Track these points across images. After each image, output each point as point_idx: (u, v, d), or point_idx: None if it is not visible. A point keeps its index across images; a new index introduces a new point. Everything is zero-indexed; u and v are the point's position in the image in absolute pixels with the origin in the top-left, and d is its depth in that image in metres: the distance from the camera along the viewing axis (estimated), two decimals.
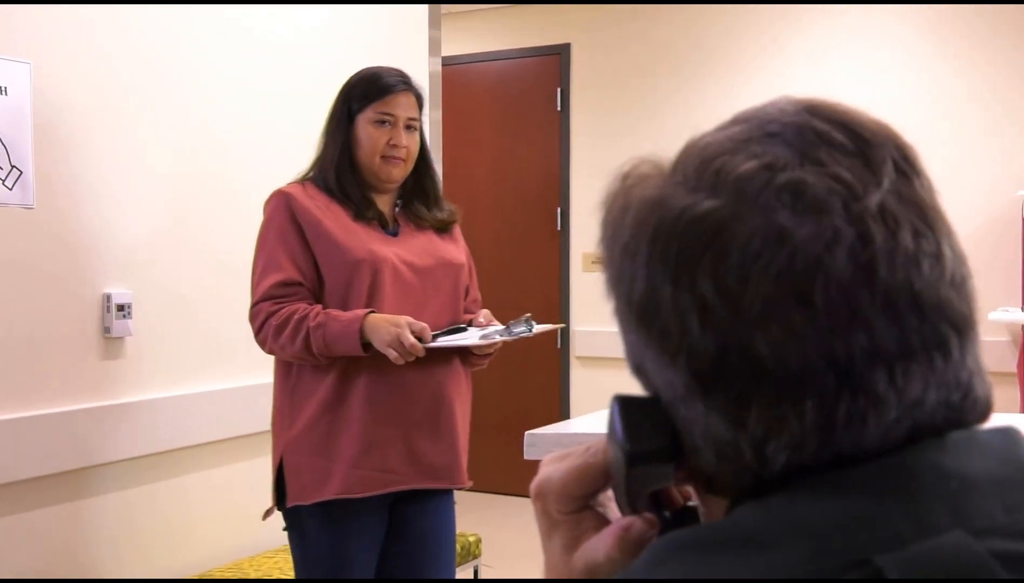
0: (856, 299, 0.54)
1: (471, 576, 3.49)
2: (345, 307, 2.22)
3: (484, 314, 2.38)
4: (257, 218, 3.03)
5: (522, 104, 5.73)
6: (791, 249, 0.54)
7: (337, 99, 2.36)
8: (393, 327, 2.14)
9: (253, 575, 2.84)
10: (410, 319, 2.17)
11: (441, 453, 2.29)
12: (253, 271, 2.29)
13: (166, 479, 2.82)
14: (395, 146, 2.29)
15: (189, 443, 2.86)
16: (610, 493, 0.69)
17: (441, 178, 2.78)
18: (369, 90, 2.31)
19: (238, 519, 3.01)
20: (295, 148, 3.18)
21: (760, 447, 0.56)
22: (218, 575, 2.84)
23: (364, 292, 2.23)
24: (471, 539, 3.44)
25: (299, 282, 2.23)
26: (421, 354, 2.16)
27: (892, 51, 4.81)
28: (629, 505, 0.66)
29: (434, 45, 3.85)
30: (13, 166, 2.42)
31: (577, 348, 5.55)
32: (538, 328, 2.31)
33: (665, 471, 0.62)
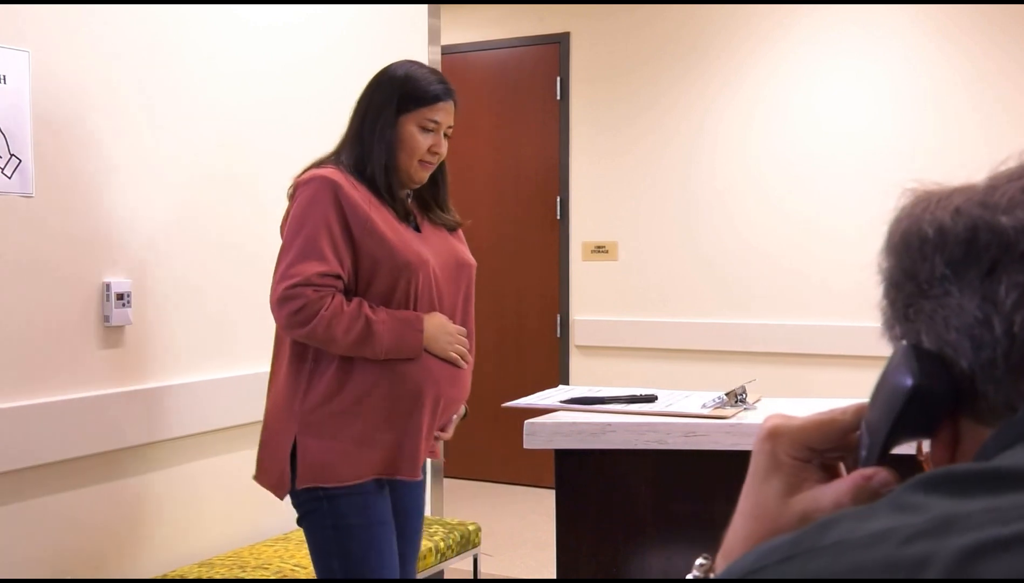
0: None
1: (471, 565, 3.50)
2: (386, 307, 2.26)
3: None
4: (255, 205, 3.04)
5: (521, 93, 5.73)
6: None
7: (379, 93, 2.33)
8: (444, 328, 2.29)
9: (253, 563, 2.84)
10: (445, 319, 2.31)
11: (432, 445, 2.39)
12: (284, 250, 2.22)
13: (165, 468, 2.83)
14: (435, 154, 2.34)
15: (187, 432, 2.86)
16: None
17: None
18: (420, 95, 2.31)
19: (237, 507, 3.02)
20: (293, 135, 3.18)
21: (1010, 318, 0.63)
22: (218, 563, 2.84)
23: (405, 295, 2.26)
24: (471, 528, 3.45)
25: (339, 276, 2.21)
26: (465, 363, 2.34)
27: (890, 40, 4.80)
28: (880, 455, 0.69)
29: (433, 34, 3.85)
30: (12, 155, 2.41)
31: (576, 337, 5.55)
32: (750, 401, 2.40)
33: (933, 417, 0.67)
